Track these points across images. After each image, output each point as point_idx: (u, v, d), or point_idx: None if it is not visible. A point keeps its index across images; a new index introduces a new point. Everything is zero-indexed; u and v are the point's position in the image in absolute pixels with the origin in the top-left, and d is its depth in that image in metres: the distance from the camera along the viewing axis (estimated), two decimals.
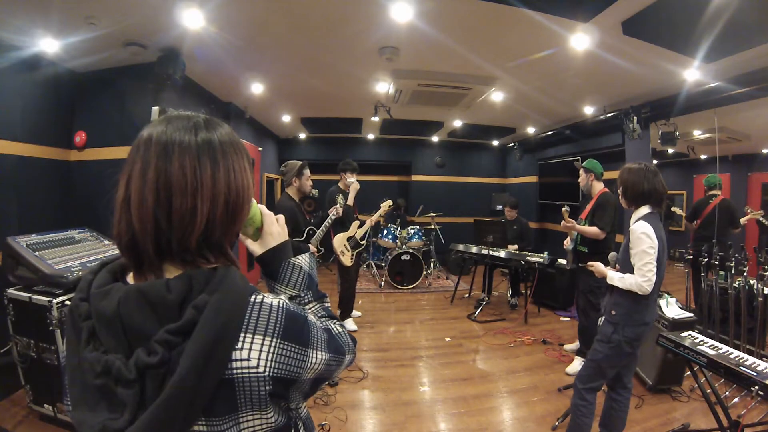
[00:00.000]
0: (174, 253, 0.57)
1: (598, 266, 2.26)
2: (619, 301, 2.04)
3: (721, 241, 3.84)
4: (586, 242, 3.17)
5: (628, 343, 1.99)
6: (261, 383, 0.55)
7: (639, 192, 2.00)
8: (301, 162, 3.30)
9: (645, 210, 2.01)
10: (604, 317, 2.14)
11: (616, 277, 2.06)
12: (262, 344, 0.55)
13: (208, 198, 0.58)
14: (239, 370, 0.53)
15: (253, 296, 0.58)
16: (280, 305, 0.60)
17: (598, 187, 3.29)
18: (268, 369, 0.55)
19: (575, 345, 3.58)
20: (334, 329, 0.73)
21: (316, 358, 0.63)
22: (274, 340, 0.56)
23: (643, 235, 1.91)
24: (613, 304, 2.07)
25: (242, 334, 0.54)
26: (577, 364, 3.29)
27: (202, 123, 0.62)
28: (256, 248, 0.79)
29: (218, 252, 0.61)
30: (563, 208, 3.22)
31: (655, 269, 1.90)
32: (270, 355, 0.56)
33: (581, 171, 3.38)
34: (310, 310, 0.77)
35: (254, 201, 0.75)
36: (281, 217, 0.83)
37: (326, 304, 0.82)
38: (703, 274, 3.46)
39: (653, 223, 1.94)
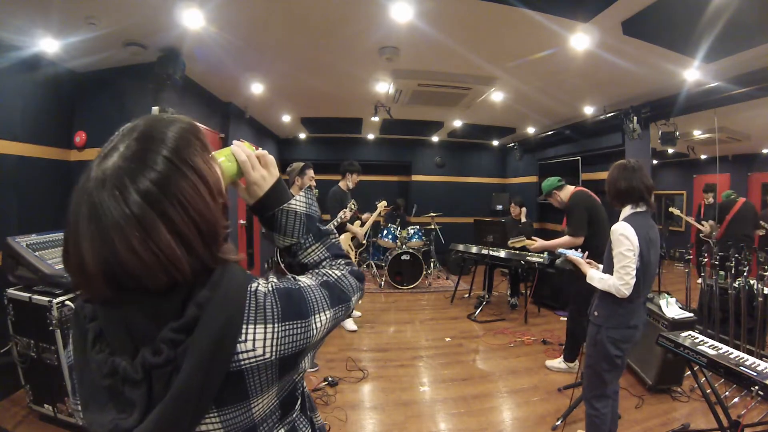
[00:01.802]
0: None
1: (577, 260, 2.22)
2: (601, 303, 2.00)
3: (747, 242, 3.87)
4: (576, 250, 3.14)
5: (614, 344, 1.92)
6: (269, 367, 0.56)
7: (616, 190, 1.96)
8: (304, 163, 3.30)
9: (629, 210, 1.96)
10: (589, 320, 2.10)
11: (596, 277, 2.02)
12: (265, 332, 0.56)
13: (177, 255, 0.50)
14: (247, 361, 0.54)
15: (249, 286, 0.59)
16: (271, 289, 0.60)
17: (567, 193, 3.24)
18: (274, 353, 0.56)
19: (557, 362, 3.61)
20: (333, 276, 0.71)
21: (321, 321, 0.64)
22: (276, 325, 0.57)
23: (621, 236, 1.86)
24: (596, 305, 2.03)
25: (244, 326, 0.55)
26: (557, 362, 3.30)
27: (127, 170, 0.49)
28: (246, 197, 0.75)
29: (214, 263, 0.58)
30: (512, 241, 3.21)
31: (633, 273, 1.85)
32: (275, 340, 0.56)
33: (550, 200, 3.34)
34: (311, 256, 0.77)
35: (225, 152, 0.70)
36: (263, 153, 0.75)
37: (330, 241, 0.79)
38: (715, 277, 3.41)
39: (637, 224, 1.88)
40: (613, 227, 1.93)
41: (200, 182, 0.54)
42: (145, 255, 0.48)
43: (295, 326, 0.59)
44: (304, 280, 0.68)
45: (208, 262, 0.56)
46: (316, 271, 0.74)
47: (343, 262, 0.78)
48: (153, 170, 0.50)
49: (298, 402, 0.69)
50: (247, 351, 0.54)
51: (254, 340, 0.55)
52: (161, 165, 0.51)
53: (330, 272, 0.73)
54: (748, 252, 3.33)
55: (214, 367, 0.51)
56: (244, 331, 0.54)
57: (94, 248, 0.48)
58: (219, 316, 0.52)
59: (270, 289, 0.60)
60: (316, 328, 0.62)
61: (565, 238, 3.08)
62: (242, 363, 0.53)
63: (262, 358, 0.55)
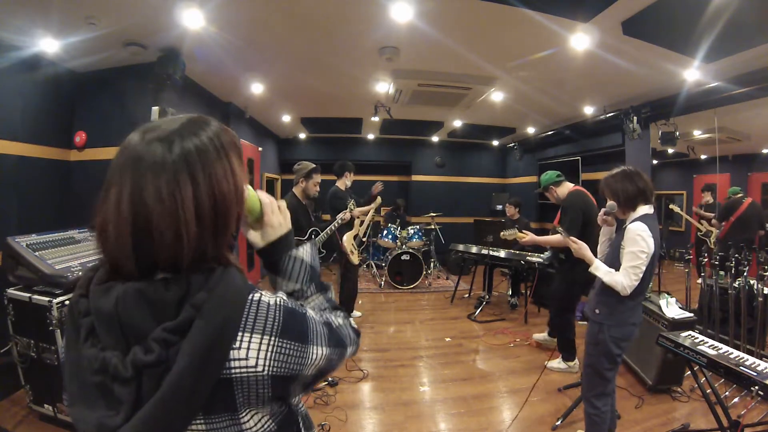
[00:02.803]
0: (165, 270, 0.56)
1: (581, 245, 2.21)
2: (603, 300, 2.00)
3: (751, 242, 3.86)
4: (562, 248, 3.12)
5: (615, 343, 1.94)
6: (260, 382, 0.54)
7: (633, 193, 1.95)
8: (314, 165, 3.21)
9: (643, 210, 1.96)
10: (589, 318, 2.10)
11: (602, 269, 2.00)
12: (261, 343, 0.55)
13: (192, 219, 0.54)
14: (237, 370, 0.53)
15: (251, 294, 0.58)
16: (278, 303, 0.59)
17: (564, 191, 3.22)
18: (267, 368, 0.55)
19: (542, 336, 3.78)
20: (335, 322, 0.72)
21: (317, 353, 0.62)
22: (273, 338, 0.56)
23: (638, 236, 1.85)
24: (597, 303, 2.03)
25: (240, 333, 0.54)
26: (556, 363, 3.32)
27: (178, 131, 0.57)
28: (257, 240, 0.76)
29: (215, 262, 0.59)
30: (503, 233, 3.30)
31: (641, 274, 1.85)
32: (269, 354, 0.55)
33: (547, 194, 3.33)
34: (311, 303, 0.76)
35: (251, 189, 0.72)
36: (283, 204, 0.79)
37: (329, 295, 0.80)
38: (715, 277, 3.40)
39: (651, 224, 1.89)
40: (630, 226, 1.91)
41: (230, 172, 0.60)
42: (168, 200, 0.53)
43: (292, 346, 0.58)
44: (310, 311, 0.67)
45: (210, 252, 0.57)
46: (320, 312, 0.73)
47: (342, 314, 0.77)
48: (199, 140, 0.58)
49: (295, 427, 0.67)
50: (239, 359, 0.53)
51: (248, 349, 0.54)
52: (206, 140, 0.59)
53: (332, 318, 0.72)
54: (749, 252, 3.32)
55: (206, 370, 0.50)
56: (239, 338, 0.54)
57: (133, 191, 0.53)
58: (215, 319, 0.52)
59: (275, 302, 0.59)
60: (311, 358, 0.61)
61: (557, 237, 3.06)
62: (232, 371, 0.53)
63: (253, 370, 0.54)
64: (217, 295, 0.53)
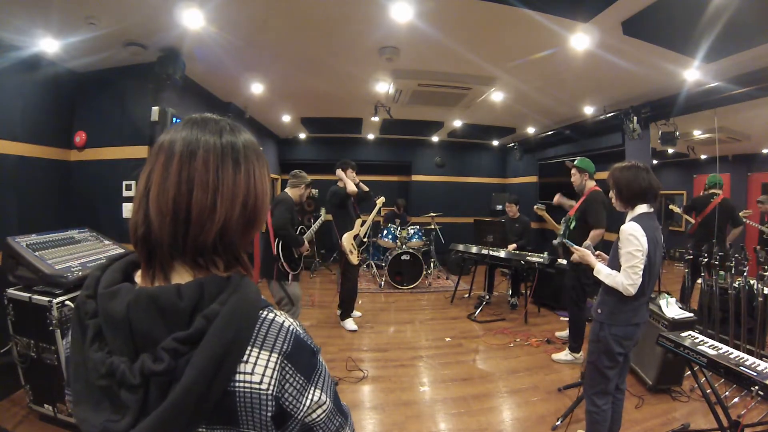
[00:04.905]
0: (188, 251, 0.56)
1: (584, 253, 2.22)
2: (605, 300, 2.01)
3: (722, 241, 3.87)
4: (574, 239, 3.18)
5: (617, 341, 1.95)
6: (264, 402, 0.53)
7: (635, 190, 1.95)
8: (309, 180, 3.50)
9: (640, 209, 1.96)
10: (593, 316, 2.11)
11: (603, 272, 2.02)
12: (268, 360, 0.54)
13: (228, 197, 0.58)
14: (241, 384, 0.53)
15: (264, 312, 0.57)
16: (290, 328, 0.58)
17: (590, 185, 3.42)
18: (272, 387, 0.54)
19: (565, 333, 3.77)
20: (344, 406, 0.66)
21: (318, 397, 0.58)
22: (279, 357, 0.55)
23: (631, 236, 1.87)
24: (600, 302, 2.05)
25: (249, 348, 0.54)
26: (563, 355, 3.42)
27: (228, 127, 0.63)
28: None
29: (232, 255, 0.60)
30: (536, 207, 3.39)
31: (641, 272, 1.86)
32: (274, 372, 0.54)
33: (574, 170, 3.50)
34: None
35: None
36: None
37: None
38: (703, 274, 3.47)
39: (646, 224, 1.89)
40: (623, 227, 1.93)
41: (265, 177, 0.65)
42: (212, 172, 0.57)
43: (293, 374, 0.56)
44: (322, 358, 0.63)
45: (235, 243, 0.59)
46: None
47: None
48: (243, 137, 0.63)
49: None
50: (245, 373, 0.53)
51: (255, 364, 0.53)
52: (248, 140, 0.64)
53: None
54: (720, 249, 3.44)
55: (214, 382, 0.50)
56: (248, 352, 0.53)
57: (182, 158, 0.56)
58: (226, 332, 0.51)
59: (288, 326, 0.58)
60: (310, 400, 0.57)
61: (597, 232, 3.21)
62: (237, 384, 0.52)
63: (257, 386, 0.53)
64: (230, 308, 0.53)
